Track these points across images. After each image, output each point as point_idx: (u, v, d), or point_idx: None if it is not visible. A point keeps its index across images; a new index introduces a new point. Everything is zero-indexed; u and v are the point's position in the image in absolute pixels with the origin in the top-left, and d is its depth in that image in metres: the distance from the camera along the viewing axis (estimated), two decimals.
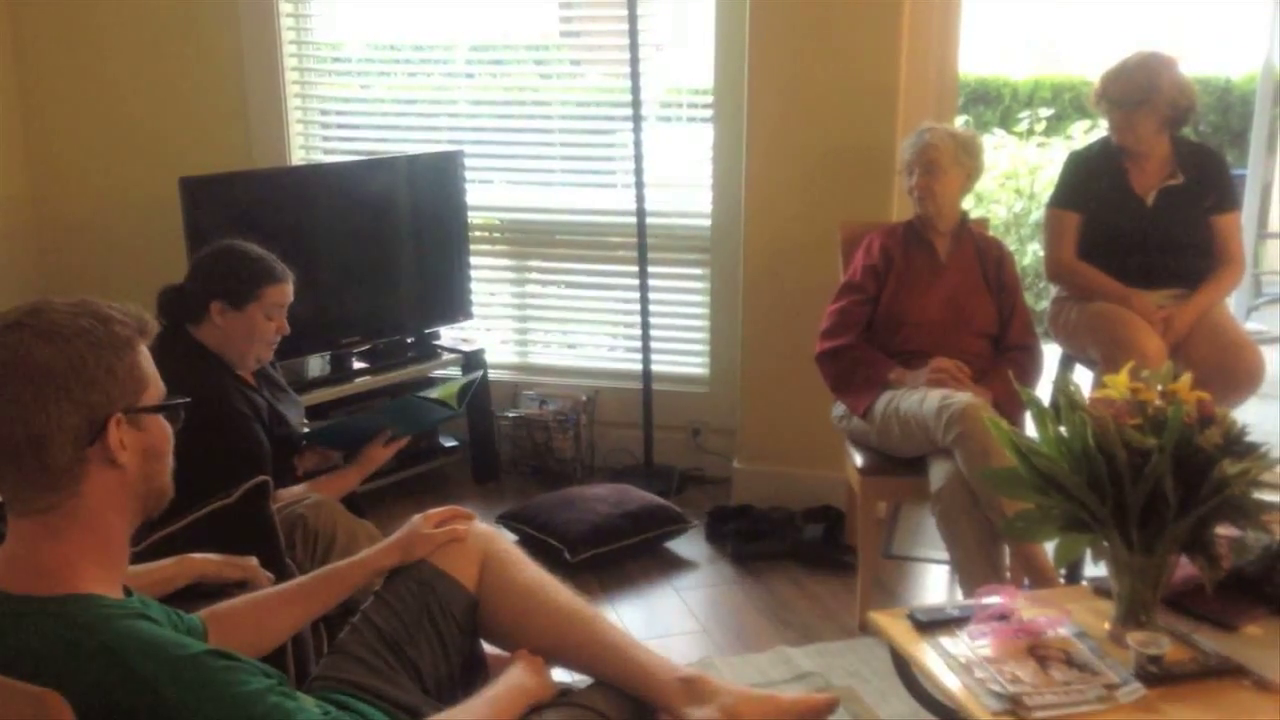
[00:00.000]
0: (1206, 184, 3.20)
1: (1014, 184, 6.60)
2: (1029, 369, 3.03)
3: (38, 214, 4.36)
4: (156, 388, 1.41)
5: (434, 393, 2.75)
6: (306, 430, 2.68)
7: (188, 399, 1.46)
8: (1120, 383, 1.90)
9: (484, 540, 1.88)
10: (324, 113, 4.29)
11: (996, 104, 7.62)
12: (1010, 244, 5.55)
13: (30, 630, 1.31)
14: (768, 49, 3.46)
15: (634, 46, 3.68)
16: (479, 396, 3.97)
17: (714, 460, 3.96)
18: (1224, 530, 1.94)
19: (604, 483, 3.71)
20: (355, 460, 2.60)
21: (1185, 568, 1.96)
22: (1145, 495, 1.80)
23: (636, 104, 3.72)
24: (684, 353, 4.12)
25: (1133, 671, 1.78)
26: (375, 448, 2.60)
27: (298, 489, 2.47)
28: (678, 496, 3.79)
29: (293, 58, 4.16)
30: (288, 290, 2.48)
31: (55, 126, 4.30)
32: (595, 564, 3.27)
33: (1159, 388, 1.88)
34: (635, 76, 3.70)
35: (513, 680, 1.71)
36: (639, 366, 3.94)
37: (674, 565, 3.38)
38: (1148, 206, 3.19)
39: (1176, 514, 1.79)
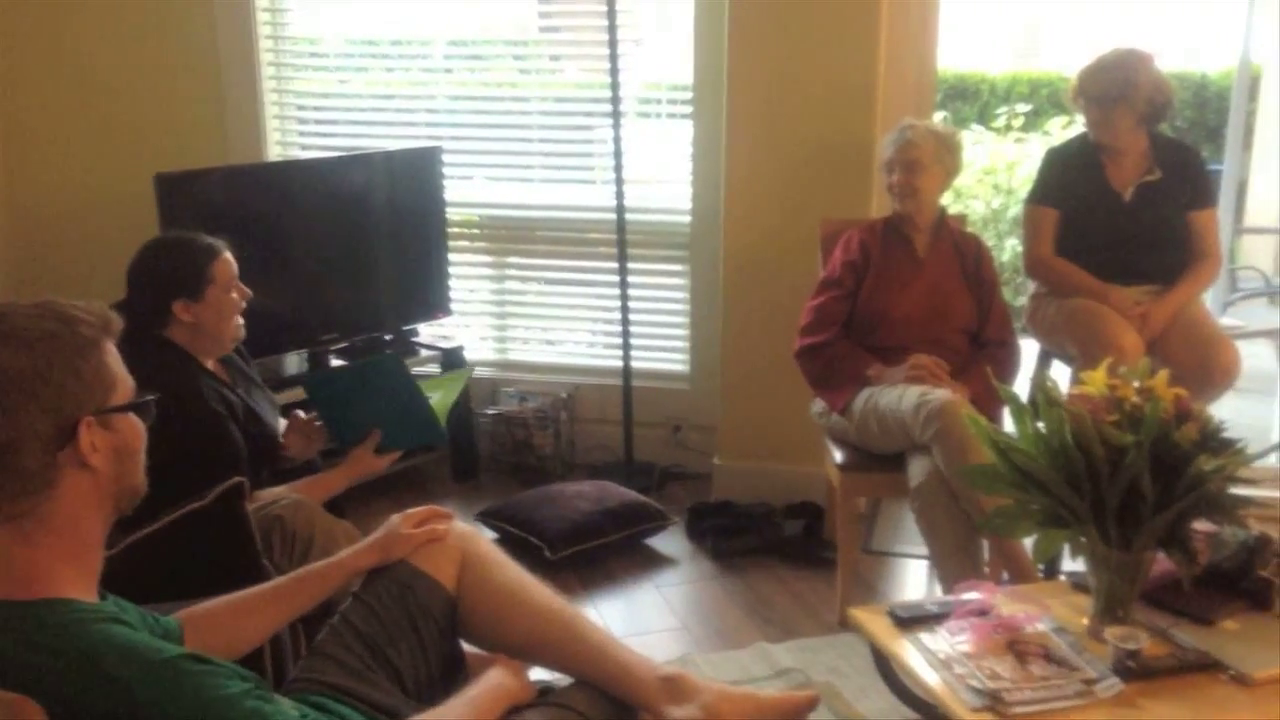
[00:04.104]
0: (1183, 180, 3.21)
1: (992, 179, 6.63)
2: (1007, 364, 3.04)
3: (11, 210, 4.31)
4: (125, 386, 1.40)
5: (431, 396, 2.69)
6: (306, 380, 2.63)
7: (156, 395, 1.44)
8: (1098, 379, 1.91)
9: (463, 540, 1.87)
10: (301, 108, 4.26)
11: (974, 100, 7.66)
12: (988, 239, 5.56)
13: (3, 635, 1.29)
14: (747, 45, 3.45)
15: (613, 42, 3.67)
16: (460, 393, 3.95)
17: (694, 456, 3.96)
18: (1201, 526, 1.95)
19: (584, 480, 3.70)
20: (343, 463, 2.57)
21: (1163, 563, 1.96)
22: (1122, 491, 1.80)
23: (616, 100, 3.71)
24: (664, 349, 4.12)
25: (1111, 667, 1.79)
26: (365, 453, 2.55)
27: (279, 489, 2.45)
28: (658, 493, 3.78)
29: (269, 53, 4.13)
30: (231, 258, 2.47)
31: (29, 122, 4.25)
32: (576, 561, 3.26)
33: (1136, 384, 1.89)
34: (614, 72, 3.69)
35: (492, 680, 1.70)
36: (619, 363, 3.93)
37: (654, 562, 3.38)
38: (1125, 202, 3.20)
39: (1154, 510, 1.80)
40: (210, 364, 2.48)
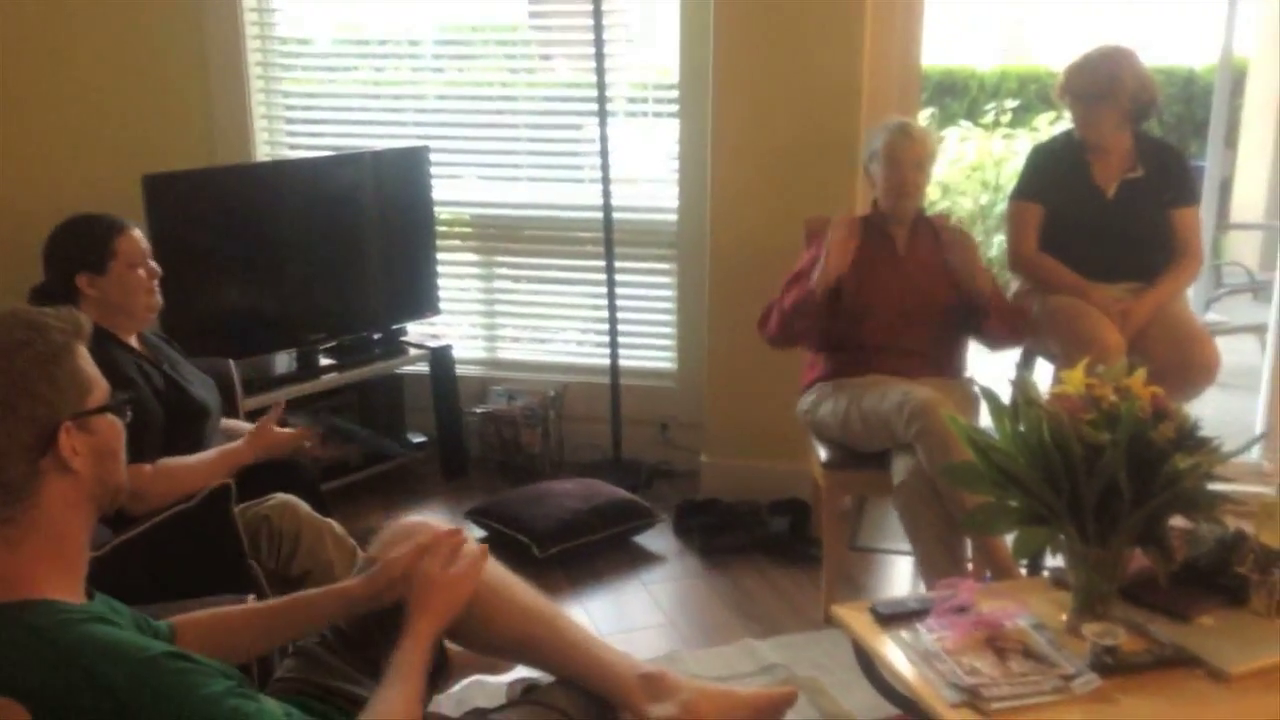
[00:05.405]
0: (1166, 178, 3.23)
1: (980, 176, 6.65)
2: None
3: None
4: (101, 387, 1.41)
5: None
6: None
7: (133, 394, 1.45)
8: (1075, 378, 1.93)
9: None
10: (289, 108, 4.26)
11: (963, 95, 7.67)
12: (976, 235, 5.58)
13: None
14: (732, 43, 3.47)
15: (599, 41, 3.68)
16: (449, 392, 3.96)
17: (682, 454, 3.97)
18: (1177, 522, 1.97)
19: (572, 478, 3.71)
20: (248, 436, 2.54)
21: (1141, 560, 1.98)
22: (1100, 489, 1.82)
23: (602, 99, 3.72)
24: (652, 347, 4.13)
25: (1088, 662, 1.81)
26: (267, 425, 2.55)
27: (189, 459, 2.39)
28: (646, 491, 3.79)
29: (256, 52, 4.13)
30: (138, 235, 2.51)
31: (14, 123, 4.24)
32: (564, 559, 3.28)
33: (1114, 383, 1.91)
34: (601, 71, 3.70)
35: (406, 648, 1.60)
36: (607, 361, 3.95)
37: (642, 559, 3.39)
38: (1108, 199, 3.22)
39: (1131, 507, 1.82)
40: (134, 342, 2.50)
